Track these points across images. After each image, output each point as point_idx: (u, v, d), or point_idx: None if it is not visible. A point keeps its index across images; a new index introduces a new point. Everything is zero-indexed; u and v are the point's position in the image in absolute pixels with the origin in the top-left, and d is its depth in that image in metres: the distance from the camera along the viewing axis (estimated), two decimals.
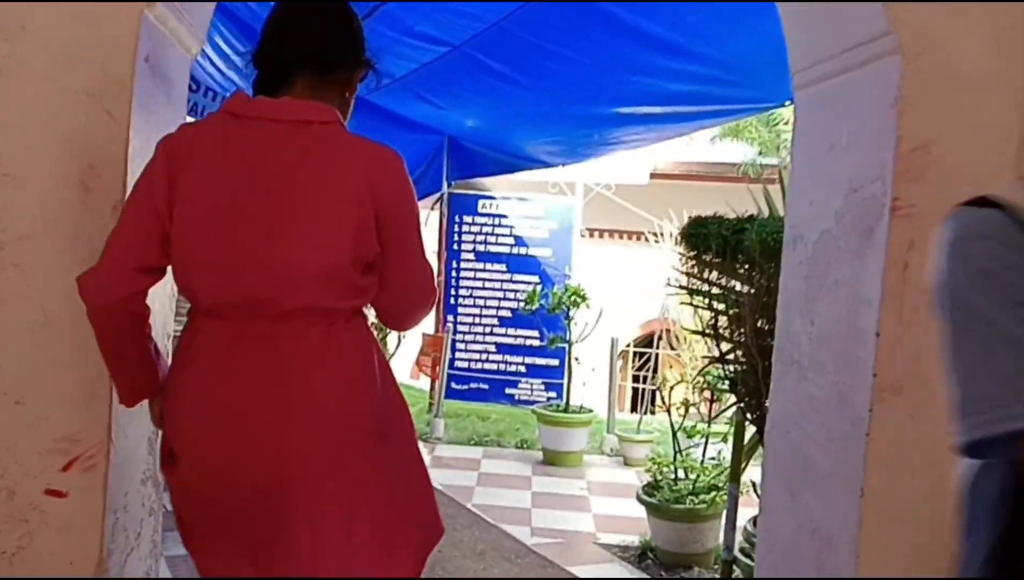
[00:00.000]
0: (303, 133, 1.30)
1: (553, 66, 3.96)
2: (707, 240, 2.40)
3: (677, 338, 6.15)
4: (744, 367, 2.37)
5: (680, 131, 4.64)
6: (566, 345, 5.59)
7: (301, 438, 1.30)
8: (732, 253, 2.31)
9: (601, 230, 8.86)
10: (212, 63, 6.22)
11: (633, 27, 3.38)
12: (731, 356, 2.71)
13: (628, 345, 9.89)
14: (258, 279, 1.27)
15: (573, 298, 5.40)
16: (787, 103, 3.90)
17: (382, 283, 1.38)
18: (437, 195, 5.96)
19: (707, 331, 2.56)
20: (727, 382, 2.56)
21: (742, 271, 2.34)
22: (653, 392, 9.41)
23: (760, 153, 7.98)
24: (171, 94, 1.68)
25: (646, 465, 4.10)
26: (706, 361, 5.03)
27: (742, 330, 2.32)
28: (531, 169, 5.73)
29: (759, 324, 2.20)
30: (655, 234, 6.15)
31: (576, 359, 5.57)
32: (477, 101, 4.59)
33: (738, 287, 2.45)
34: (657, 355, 9.97)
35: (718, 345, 2.56)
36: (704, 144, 8.28)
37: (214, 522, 1.36)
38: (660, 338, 6.32)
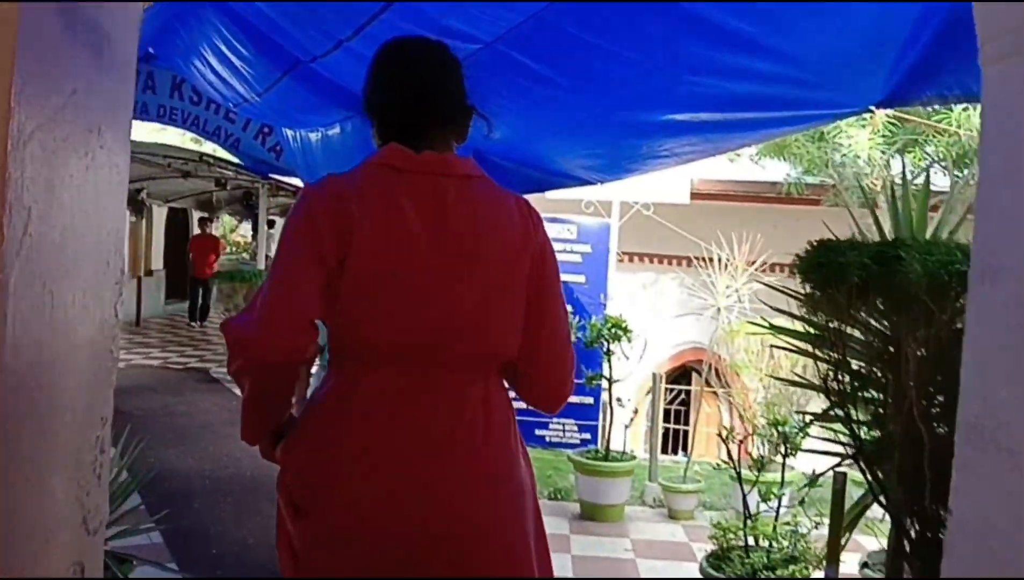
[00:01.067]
0: (466, 187, 1.44)
1: (599, 65, 3.47)
2: (842, 271, 1.87)
3: (719, 375, 5.62)
4: (883, 438, 1.83)
5: (742, 141, 4.13)
6: (605, 382, 5.06)
7: (483, 492, 1.37)
8: (877, 288, 1.79)
9: (634, 254, 8.33)
10: (212, 69, 5.79)
11: (697, 17, 2.89)
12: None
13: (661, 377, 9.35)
14: (442, 324, 1.37)
15: (614, 330, 4.87)
16: (873, 108, 3.38)
17: (531, 346, 1.45)
18: None
19: (828, 386, 2.03)
20: (853, 451, 2.02)
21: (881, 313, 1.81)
22: (687, 432, 8.84)
23: (806, 171, 7.45)
24: (104, 54, 1.16)
25: (692, 516, 3.58)
26: (771, 405, 4.49)
27: (884, 386, 1.79)
28: (564, 187, 5.24)
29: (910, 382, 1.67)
30: (704, 258, 5.61)
31: (619, 400, 5.02)
32: (507, 108, 4.11)
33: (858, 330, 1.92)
34: (690, 391, 9.41)
35: (845, 405, 2.02)
36: (743, 161, 7.77)
37: (375, 572, 1.31)
38: (709, 369, 5.77)
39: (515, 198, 1.51)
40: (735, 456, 3.47)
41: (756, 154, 7.24)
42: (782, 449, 3.38)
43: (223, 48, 5.24)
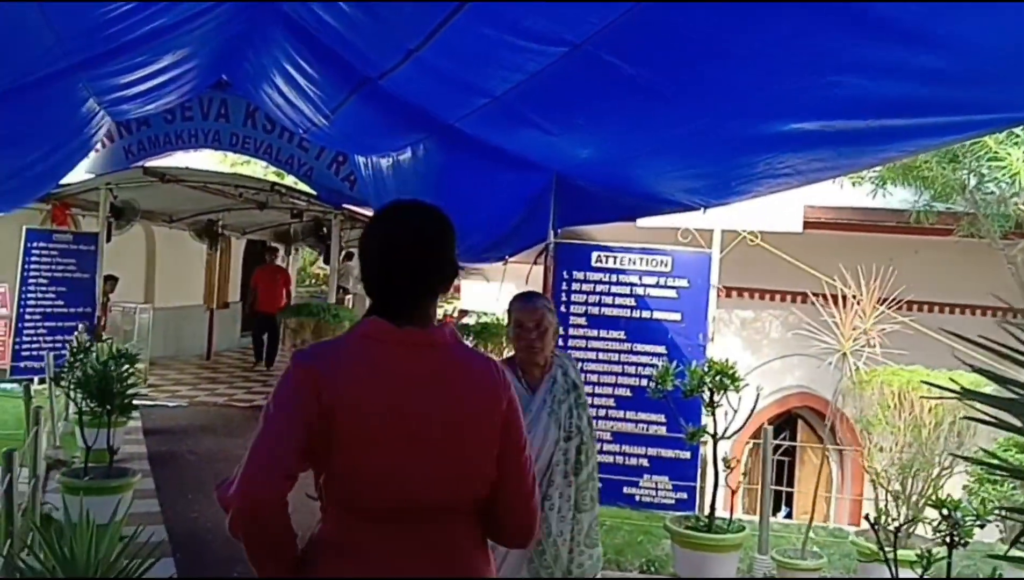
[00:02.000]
0: (438, 355, 1.61)
1: (710, 68, 2.95)
2: None
3: (833, 430, 4.88)
4: None
5: (885, 156, 3.50)
6: (708, 438, 4.42)
7: None
8: None
9: (733, 288, 7.64)
10: (281, 93, 5.52)
11: (844, 4, 2.31)
12: None
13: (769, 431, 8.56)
14: (423, 483, 1.55)
15: (719, 379, 4.25)
16: None
17: (501, 493, 1.63)
18: (540, 246, 4.97)
19: None
20: None
21: None
22: (790, 494, 8.02)
23: (935, 197, 6.65)
24: None
25: None
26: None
27: None
28: (661, 213, 4.71)
29: None
30: (824, 295, 4.91)
31: (724, 461, 4.38)
32: (598, 122, 3.62)
33: None
34: (794, 446, 8.57)
35: None
36: (861, 186, 7.01)
37: None
38: (829, 423, 5.05)
39: (486, 361, 1.69)
40: (889, 538, 2.79)
41: (876, 177, 6.50)
42: (948, 537, 2.69)
43: (291, 69, 4.97)
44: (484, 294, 9.20)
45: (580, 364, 4.97)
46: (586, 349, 5.13)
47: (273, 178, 11.52)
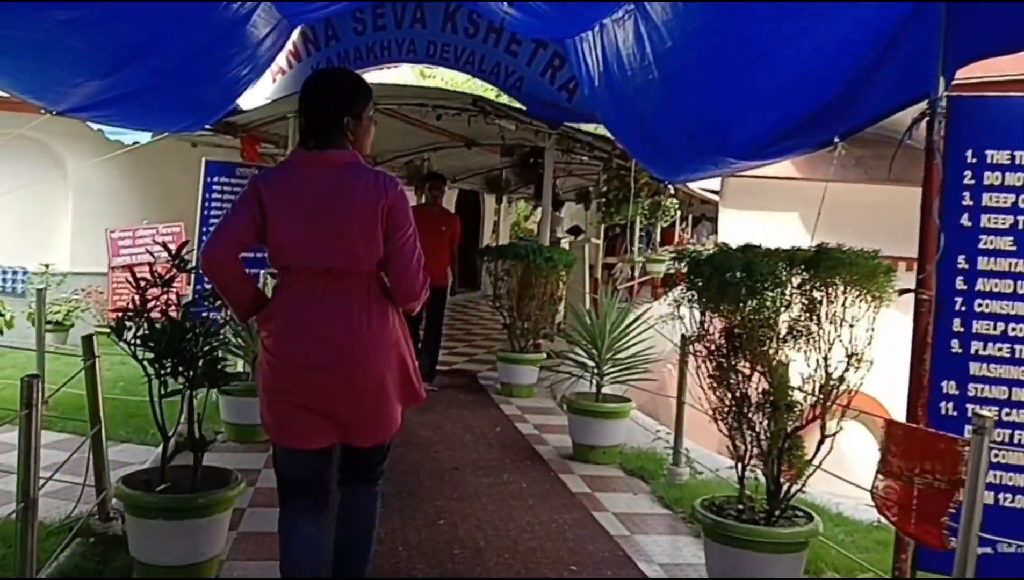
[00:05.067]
0: (340, 169, 2.53)
1: None
2: None
3: None
4: None
5: None
6: None
7: (363, 341, 2.51)
8: None
9: None
10: None
11: None
12: None
13: None
14: (329, 256, 2.49)
15: None
16: None
17: (389, 265, 2.58)
18: (916, 107, 2.87)
19: None
20: None
21: None
22: None
23: None
24: None
25: None
26: None
27: None
28: None
29: None
30: None
31: None
32: None
33: None
34: None
35: None
36: None
37: (290, 385, 2.52)
38: None
39: (375, 173, 2.56)
40: None
41: None
42: None
43: None
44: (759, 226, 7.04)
45: (1000, 307, 2.82)
46: (1014, 295, 2.90)
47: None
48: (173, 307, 2.90)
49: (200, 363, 2.87)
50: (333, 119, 2.51)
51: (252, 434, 4.85)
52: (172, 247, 3.13)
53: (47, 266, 8.57)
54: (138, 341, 2.80)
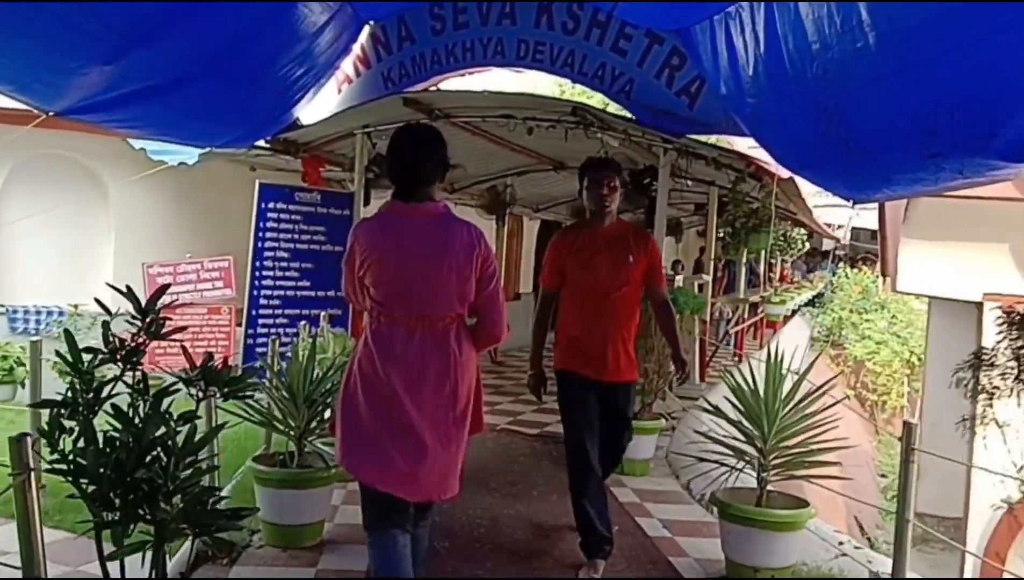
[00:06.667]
0: (430, 220, 2.82)
1: None
2: None
3: None
4: None
5: None
6: None
7: (451, 377, 2.82)
8: None
9: None
10: None
11: None
12: None
13: None
14: (427, 306, 2.79)
15: None
16: None
17: (478, 311, 2.92)
18: None
19: None
20: None
21: None
22: None
23: None
24: None
25: None
26: None
27: None
28: None
29: None
30: None
31: None
32: None
33: None
34: None
35: None
36: None
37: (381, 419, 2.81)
38: None
39: (467, 225, 2.86)
40: None
41: None
42: None
43: None
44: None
45: None
46: None
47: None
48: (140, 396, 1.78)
49: (175, 499, 1.74)
50: (426, 173, 2.84)
51: (297, 537, 3.72)
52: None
53: (76, 307, 7.70)
54: (70, 461, 1.69)
